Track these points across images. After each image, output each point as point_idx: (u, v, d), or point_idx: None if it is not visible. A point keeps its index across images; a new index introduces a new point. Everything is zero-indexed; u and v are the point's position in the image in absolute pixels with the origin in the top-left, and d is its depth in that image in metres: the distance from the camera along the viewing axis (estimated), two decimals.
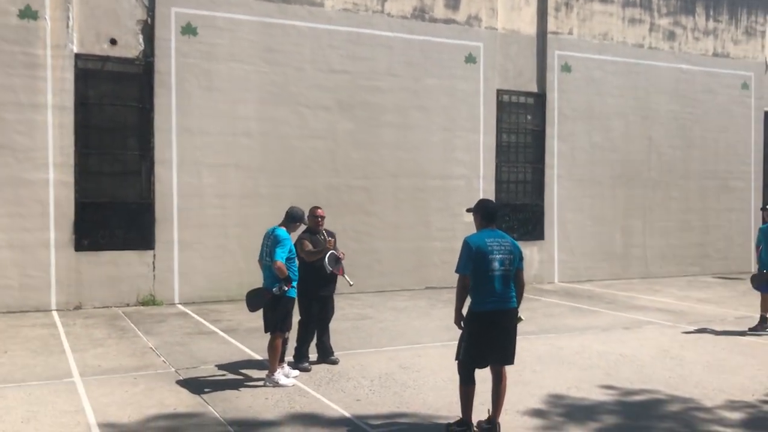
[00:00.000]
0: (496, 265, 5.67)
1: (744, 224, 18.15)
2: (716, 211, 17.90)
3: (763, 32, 18.51)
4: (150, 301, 12.18)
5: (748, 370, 7.90)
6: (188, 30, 12.46)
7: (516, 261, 5.79)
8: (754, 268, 12.20)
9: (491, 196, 15.19)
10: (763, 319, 10.17)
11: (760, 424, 6.03)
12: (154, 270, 12.31)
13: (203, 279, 12.61)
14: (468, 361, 5.74)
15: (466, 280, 5.70)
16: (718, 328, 10.44)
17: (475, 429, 5.73)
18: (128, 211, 12.32)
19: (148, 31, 12.31)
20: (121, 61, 12.25)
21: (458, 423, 5.77)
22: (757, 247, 10.41)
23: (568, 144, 16.00)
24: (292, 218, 7.43)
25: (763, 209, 10.72)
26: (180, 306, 12.20)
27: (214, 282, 12.63)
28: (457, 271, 5.75)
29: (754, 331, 10.12)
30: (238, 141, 12.89)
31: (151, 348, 8.91)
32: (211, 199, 12.71)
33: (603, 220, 16.49)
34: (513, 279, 5.78)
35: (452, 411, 6.13)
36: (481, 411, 5.86)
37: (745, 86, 18.18)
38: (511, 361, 5.83)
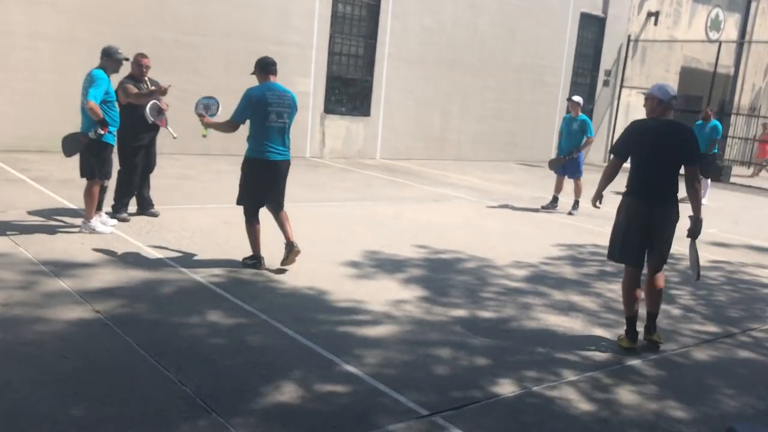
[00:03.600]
0: (274, 117, 6.11)
1: (550, 118, 19.73)
2: (528, 103, 19.26)
3: None
4: None
5: (536, 240, 8.98)
6: None
7: (293, 115, 6.26)
8: (554, 156, 13.49)
9: (323, 68, 15.26)
10: (554, 198, 11.42)
11: (537, 279, 7.01)
12: None
13: (9, 125, 11.67)
14: (244, 202, 6.29)
15: (237, 126, 6.16)
16: (516, 205, 11.60)
17: (264, 263, 6.35)
18: None
19: None
20: None
21: (250, 257, 6.41)
22: (560, 134, 11.52)
23: (401, 23, 16.23)
24: (108, 56, 7.01)
25: (568, 100, 11.75)
26: None
27: (23, 130, 11.75)
28: (232, 118, 6.16)
29: (546, 209, 11.36)
30: None
31: None
32: (20, 39, 11.59)
33: (425, 102, 17.17)
34: (287, 132, 6.23)
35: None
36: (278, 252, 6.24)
37: None
38: (281, 208, 6.38)
